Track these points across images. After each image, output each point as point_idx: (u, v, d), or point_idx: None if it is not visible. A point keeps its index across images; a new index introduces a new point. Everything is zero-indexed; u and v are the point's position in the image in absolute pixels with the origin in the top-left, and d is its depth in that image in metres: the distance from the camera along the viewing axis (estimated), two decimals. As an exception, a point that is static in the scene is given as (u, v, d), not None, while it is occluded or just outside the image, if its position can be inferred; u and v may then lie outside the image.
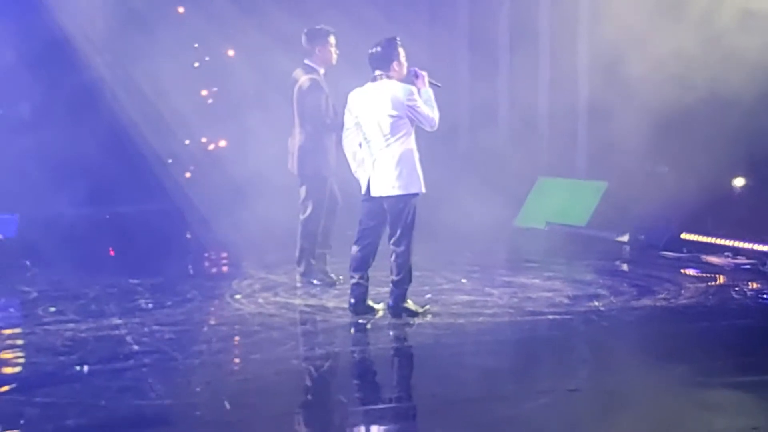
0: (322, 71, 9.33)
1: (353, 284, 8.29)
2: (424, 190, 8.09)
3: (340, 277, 9.29)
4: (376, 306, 8.34)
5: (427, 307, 8.37)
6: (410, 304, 8.24)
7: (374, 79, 8.10)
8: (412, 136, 8.08)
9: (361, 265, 8.24)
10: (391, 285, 8.22)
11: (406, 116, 7.97)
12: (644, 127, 11.49)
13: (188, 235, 12.84)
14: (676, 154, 11.59)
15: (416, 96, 8.00)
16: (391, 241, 8.15)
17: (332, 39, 9.38)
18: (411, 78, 8.20)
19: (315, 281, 9.39)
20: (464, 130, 14.83)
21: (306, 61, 9.36)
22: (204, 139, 15.92)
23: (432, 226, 12.37)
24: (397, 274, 8.14)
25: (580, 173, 13.40)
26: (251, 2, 14.49)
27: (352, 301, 8.29)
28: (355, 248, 8.29)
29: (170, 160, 15.44)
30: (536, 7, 13.89)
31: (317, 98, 9.23)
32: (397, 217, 8.06)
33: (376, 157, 8.01)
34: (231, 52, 15.57)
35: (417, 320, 8.11)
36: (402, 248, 8.10)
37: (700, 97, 10.85)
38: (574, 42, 13.28)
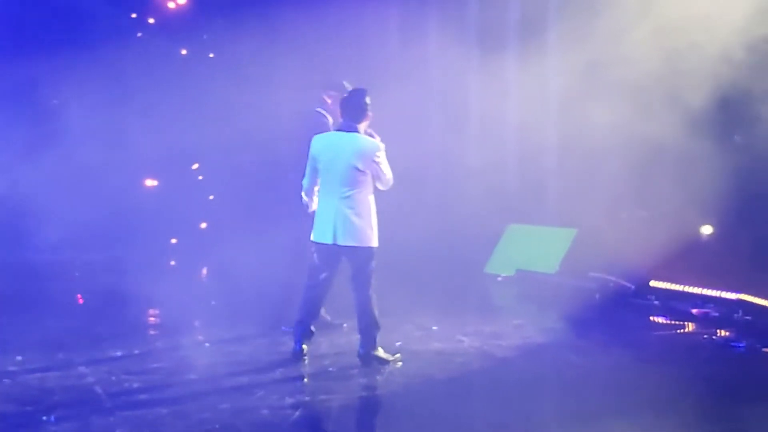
0: (331, 120, 9.28)
1: (306, 330, 8.33)
2: (377, 245, 8.19)
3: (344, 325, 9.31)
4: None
5: (398, 355, 8.36)
6: (381, 351, 8.24)
7: (345, 128, 8.16)
8: (371, 190, 8.18)
9: (314, 310, 8.33)
10: (359, 333, 8.26)
11: (370, 171, 8.06)
12: (614, 174, 11.59)
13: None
14: (645, 202, 11.69)
15: (383, 154, 8.12)
16: (354, 291, 8.24)
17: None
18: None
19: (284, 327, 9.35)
20: (434, 177, 14.88)
21: (317, 108, 9.31)
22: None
23: (403, 272, 12.43)
24: (363, 322, 8.20)
25: (550, 220, 13.46)
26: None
27: (304, 347, 8.33)
28: (308, 294, 8.36)
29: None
30: (503, 53, 14.03)
31: None
32: (359, 268, 8.16)
33: (336, 206, 8.07)
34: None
35: (388, 368, 8.09)
36: (365, 297, 8.18)
37: (668, 146, 10.97)
38: (543, 87, 13.39)
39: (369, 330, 8.19)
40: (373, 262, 8.16)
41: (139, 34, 16.06)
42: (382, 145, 8.14)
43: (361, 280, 8.18)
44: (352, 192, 8.05)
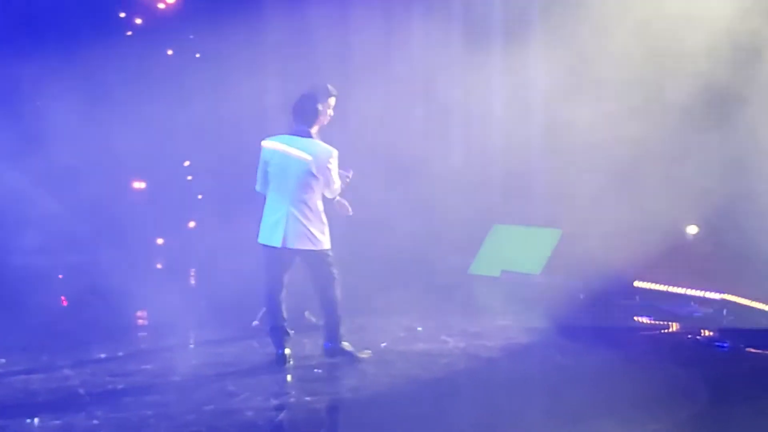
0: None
1: (283, 333, 8.30)
2: (330, 246, 8.27)
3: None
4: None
5: (368, 351, 8.40)
6: (347, 345, 8.34)
7: (299, 133, 8.18)
8: (321, 195, 8.24)
9: (281, 312, 8.31)
10: (323, 328, 8.36)
11: (323, 176, 8.12)
12: (598, 173, 11.59)
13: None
14: (630, 201, 11.69)
15: (335, 160, 8.19)
16: (319, 292, 8.32)
17: (331, 101, 9.20)
18: None
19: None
20: (419, 176, 14.86)
21: None
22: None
23: (388, 273, 12.43)
24: (330, 318, 8.31)
25: (534, 220, 13.46)
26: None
27: (287, 351, 8.29)
28: (268, 297, 8.34)
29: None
30: (488, 51, 14.03)
31: None
32: (318, 271, 8.23)
33: (287, 210, 8.08)
34: None
35: (372, 369, 8.08)
36: (330, 296, 8.28)
37: (653, 144, 10.98)
38: (527, 86, 13.39)
39: (336, 325, 8.31)
40: (331, 261, 8.24)
41: (129, 33, 16.04)
42: (335, 151, 8.20)
43: (324, 281, 8.25)
44: (305, 196, 8.10)
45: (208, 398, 7.29)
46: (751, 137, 10.18)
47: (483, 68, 13.82)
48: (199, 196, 16.22)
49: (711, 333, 9.63)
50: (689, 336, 9.55)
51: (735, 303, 10.22)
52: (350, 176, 8.70)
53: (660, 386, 7.77)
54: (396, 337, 9.31)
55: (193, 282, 13.50)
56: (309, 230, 8.10)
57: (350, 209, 8.79)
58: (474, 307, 11.41)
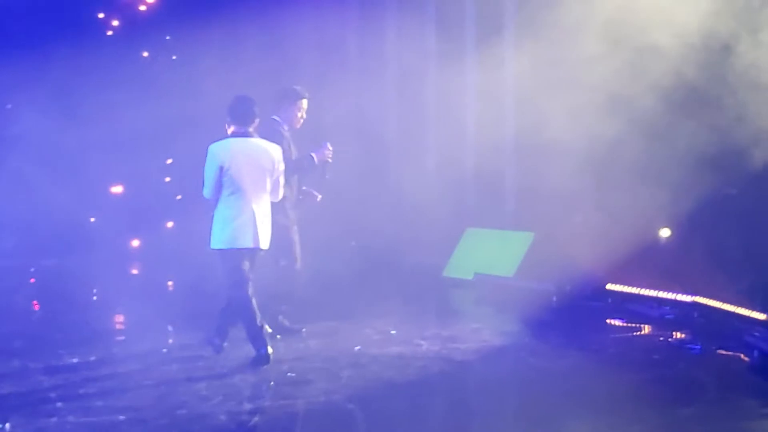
0: (286, 127, 9.23)
1: (266, 334, 8.34)
2: None
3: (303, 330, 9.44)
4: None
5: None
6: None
7: (245, 134, 8.30)
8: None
9: (257, 310, 8.33)
10: (231, 329, 8.51)
11: (278, 173, 8.34)
12: (570, 177, 11.63)
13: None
14: (601, 204, 11.74)
15: (281, 154, 8.41)
16: (252, 290, 8.39)
17: (303, 103, 9.22)
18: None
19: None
20: (392, 180, 14.89)
21: (273, 116, 9.24)
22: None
23: (362, 276, 12.44)
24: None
25: (507, 223, 13.51)
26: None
27: (270, 350, 8.30)
28: (250, 300, 8.33)
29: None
30: (462, 55, 14.06)
31: None
32: (256, 269, 8.42)
33: (254, 210, 8.21)
34: None
35: (346, 373, 8.08)
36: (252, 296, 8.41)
37: (625, 146, 11.03)
38: (500, 92, 13.43)
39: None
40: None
41: (110, 33, 16.02)
42: (279, 147, 8.46)
43: (255, 278, 8.40)
44: (264, 195, 8.31)
45: (180, 402, 7.27)
46: (723, 138, 10.24)
47: (457, 69, 13.87)
48: (178, 197, 16.20)
49: (682, 335, 9.70)
50: (661, 338, 9.61)
51: (706, 305, 10.28)
52: (330, 148, 8.87)
53: (631, 388, 7.81)
54: (370, 341, 9.31)
55: (168, 285, 13.45)
56: (267, 228, 8.32)
57: (318, 195, 8.94)
58: (448, 310, 11.46)
